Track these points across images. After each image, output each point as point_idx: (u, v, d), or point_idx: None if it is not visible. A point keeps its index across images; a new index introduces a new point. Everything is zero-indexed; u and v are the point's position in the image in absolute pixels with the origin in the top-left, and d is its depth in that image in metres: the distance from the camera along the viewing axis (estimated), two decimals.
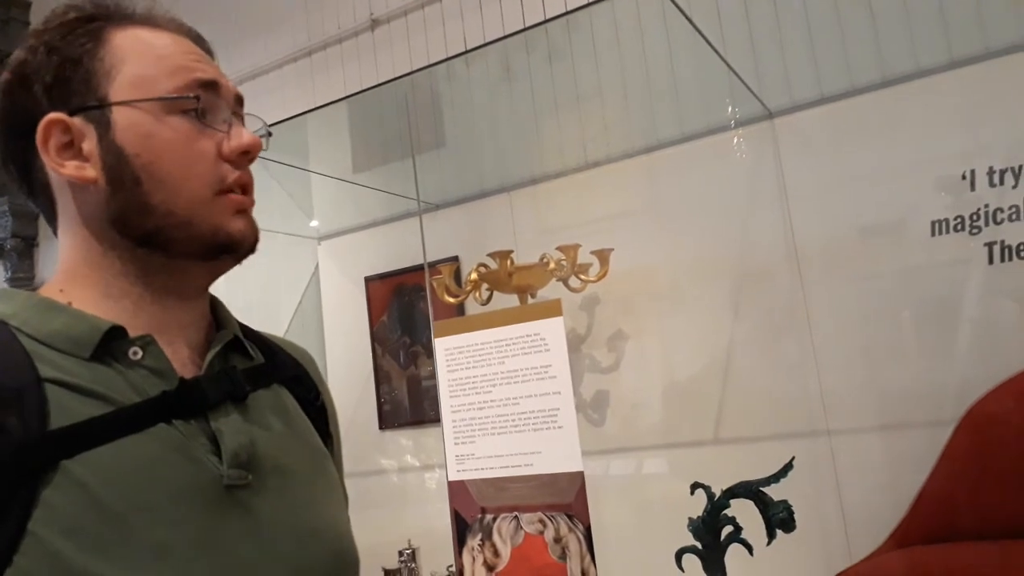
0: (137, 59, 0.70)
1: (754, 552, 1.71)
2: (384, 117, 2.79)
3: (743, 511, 1.74)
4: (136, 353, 0.67)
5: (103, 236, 0.70)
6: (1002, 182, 2.00)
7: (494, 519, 1.75)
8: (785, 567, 1.85)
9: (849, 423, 2.15)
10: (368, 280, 3.04)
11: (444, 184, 2.94)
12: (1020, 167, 1.98)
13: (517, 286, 2.35)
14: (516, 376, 1.80)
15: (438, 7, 2.91)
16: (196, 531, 0.63)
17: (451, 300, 2.48)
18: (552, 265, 2.35)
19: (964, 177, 2.04)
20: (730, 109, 2.38)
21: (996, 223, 2.00)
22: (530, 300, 2.38)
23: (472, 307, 2.58)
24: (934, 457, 1.92)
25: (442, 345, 1.92)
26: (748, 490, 1.70)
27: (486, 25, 2.77)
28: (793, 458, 1.72)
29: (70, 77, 0.69)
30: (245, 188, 0.72)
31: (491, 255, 2.34)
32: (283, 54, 3.05)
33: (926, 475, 1.91)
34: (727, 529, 1.73)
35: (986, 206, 2.01)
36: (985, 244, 2.01)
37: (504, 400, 1.80)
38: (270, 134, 0.79)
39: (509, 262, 2.32)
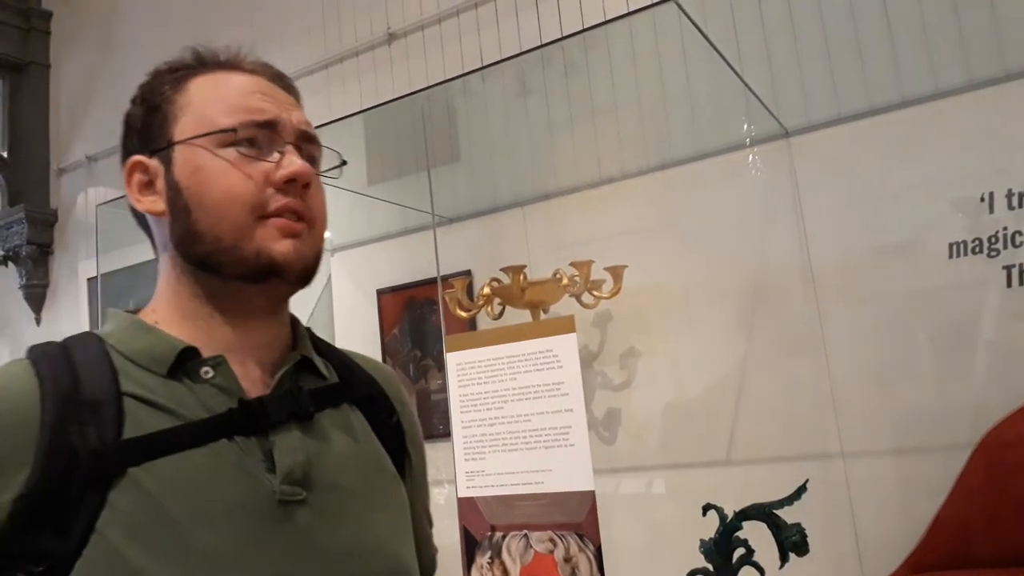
0: (202, 101, 0.77)
1: (766, 575, 1.68)
2: (399, 131, 2.80)
3: (756, 533, 1.72)
4: (207, 372, 0.73)
5: (176, 262, 0.77)
6: (1021, 205, 1.99)
7: (504, 537, 1.74)
8: None
9: (864, 446, 2.12)
10: (380, 292, 3.04)
11: (458, 198, 2.94)
12: None
13: (529, 301, 2.34)
14: (528, 392, 1.79)
15: (455, 22, 2.92)
16: (246, 543, 0.67)
17: (463, 314, 2.47)
18: (565, 281, 2.34)
19: (983, 199, 2.03)
20: (746, 127, 2.38)
21: (1015, 246, 1.98)
22: (542, 316, 2.37)
23: (484, 322, 2.57)
24: (949, 482, 1.89)
25: (454, 360, 1.91)
26: (761, 512, 1.68)
27: (503, 40, 2.78)
28: (807, 480, 1.70)
29: (151, 122, 0.78)
30: (299, 215, 0.75)
31: (504, 270, 2.33)
32: (300, 66, 3.07)
33: (941, 500, 1.89)
34: (739, 551, 1.71)
35: (1005, 229, 2.00)
36: (1004, 267, 1.99)
37: (515, 416, 1.79)
38: (344, 163, 0.85)
39: (522, 277, 2.31)
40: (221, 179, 0.73)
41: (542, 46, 2.49)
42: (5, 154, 4.04)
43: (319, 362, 0.83)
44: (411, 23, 3.02)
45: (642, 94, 2.57)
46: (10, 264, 4.07)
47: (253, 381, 0.75)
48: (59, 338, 0.75)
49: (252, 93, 0.77)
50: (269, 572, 0.67)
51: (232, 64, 0.80)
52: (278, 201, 0.74)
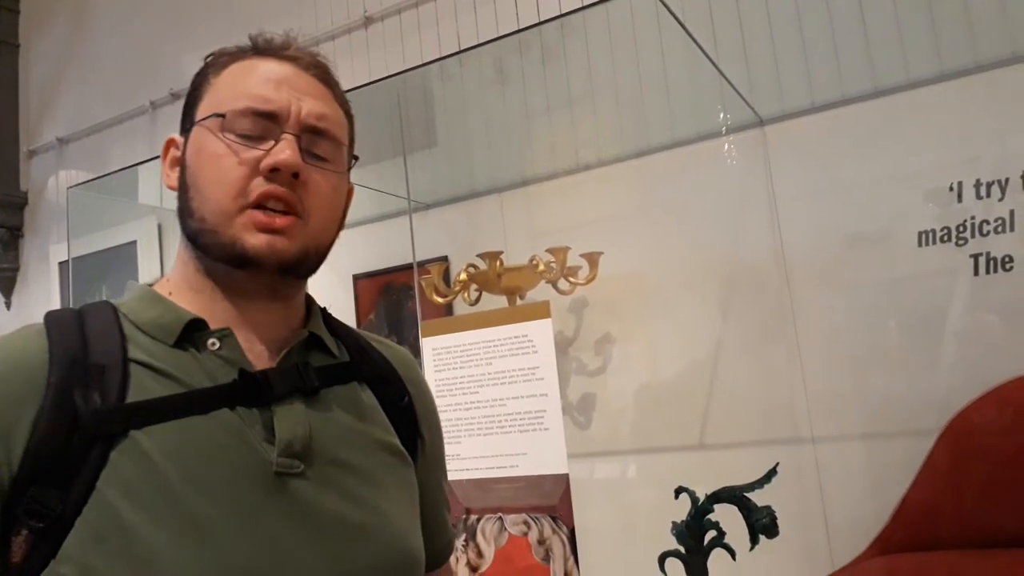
0: (225, 85, 0.79)
1: (737, 557, 1.71)
2: (376, 115, 2.79)
3: (727, 516, 1.75)
4: (214, 344, 0.75)
5: (184, 237, 0.80)
6: (989, 194, 2.02)
7: (478, 520, 1.75)
8: (768, 573, 1.85)
9: (834, 431, 2.16)
10: (356, 278, 3.03)
11: (435, 184, 2.93)
12: (1007, 180, 2.00)
13: (506, 287, 2.35)
14: (503, 377, 1.81)
15: (432, 6, 2.91)
16: (240, 512, 0.68)
17: (440, 300, 2.48)
18: (541, 267, 2.35)
19: (951, 188, 2.06)
20: (721, 116, 2.39)
21: (982, 235, 2.01)
22: (519, 302, 2.38)
23: (461, 307, 2.58)
24: (917, 466, 1.93)
25: (430, 345, 1.92)
26: (732, 495, 1.71)
27: (480, 25, 2.77)
28: (777, 464, 1.73)
29: (189, 103, 0.81)
30: (288, 206, 0.75)
31: (480, 256, 2.34)
32: None
33: (909, 483, 1.93)
34: (710, 534, 1.74)
35: (972, 218, 2.03)
36: (971, 255, 2.02)
37: (491, 401, 1.80)
38: (356, 158, 0.87)
39: (499, 263, 2.32)
40: (214, 162, 0.75)
41: (520, 31, 2.49)
42: None
43: (329, 340, 0.84)
44: (388, 7, 3.00)
45: (619, 81, 2.58)
46: None
47: (259, 355, 0.77)
48: (30, 322, 0.75)
49: (268, 81, 0.78)
50: (261, 542, 0.68)
51: (272, 51, 0.81)
52: (261, 188, 0.74)
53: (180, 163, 0.80)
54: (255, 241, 0.74)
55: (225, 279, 0.78)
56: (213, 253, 0.76)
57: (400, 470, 0.83)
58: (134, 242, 3.42)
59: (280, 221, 0.75)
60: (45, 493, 0.64)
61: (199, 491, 0.67)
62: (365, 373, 0.86)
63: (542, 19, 2.57)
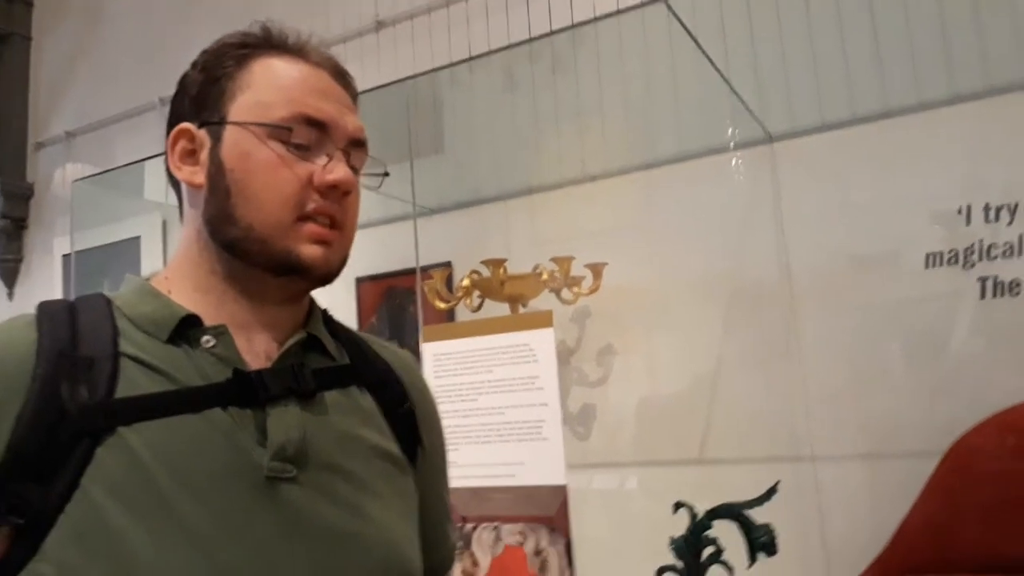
0: (262, 85, 0.77)
1: (735, 574, 1.70)
2: (384, 120, 2.78)
3: (725, 533, 1.73)
4: (208, 341, 0.73)
5: (201, 236, 0.77)
6: (997, 218, 2.01)
7: (474, 528, 1.74)
8: None
9: (834, 450, 2.15)
10: (359, 281, 3.03)
11: (441, 189, 2.93)
12: (1016, 204, 1.99)
13: (509, 295, 2.34)
14: (503, 385, 1.79)
15: (444, 12, 2.91)
16: (228, 515, 0.66)
17: (442, 306, 2.47)
18: (545, 276, 2.34)
19: (960, 211, 2.05)
20: (730, 131, 2.39)
21: (990, 258, 2.01)
22: (521, 310, 2.37)
23: (463, 314, 2.57)
24: (918, 488, 1.92)
25: (430, 350, 1.91)
26: (731, 512, 1.70)
27: (491, 34, 2.77)
28: (778, 482, 1.71)
29: (208, 93, 0.78)
30: (333, 220, 0.76)
31: (484, 262, 2.33)
32: None
33: (909, 505, 1.91)
34: (709, 550, 1.72)
35: (980, 241, 2.02)
36: (978, 279, 2.02)
37: (490, 409, 1.79)
38: (387, 174, 0.87)
39: (502, 270, 2.31)
40: (269, 173, 0.74)
41: (531, 40, 2.49)
42: None
43: (329, 342, 0.82)
44: (400, 12, 3.00)
45: (628, 93, 2.58)
46: None
47: (256, 355, 0.75)
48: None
49: (313, 90, 0.77)
50: (250, 548, 0.66)
51: (298, 51, 0.80)
52: (316, 204, 0.74)
53: (212, 162, 0.76)
54: (310, 252, 0.74)
55: (250, 284, 0.76)
56: (256, 260, 0.74)
57: (398, 478, 0.81)
58: (138, 238, 3.42)
59: (330, 235, 0.76)
60: (27, 488, 0.62)
61: (186, 492, 0.65)
62: (365, 377, 0.83)
63: (553, 29, 2.57)
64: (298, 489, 0.70)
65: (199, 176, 0.77)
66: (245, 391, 0.71)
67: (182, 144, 0.78)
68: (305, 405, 0.74)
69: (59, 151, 3.97)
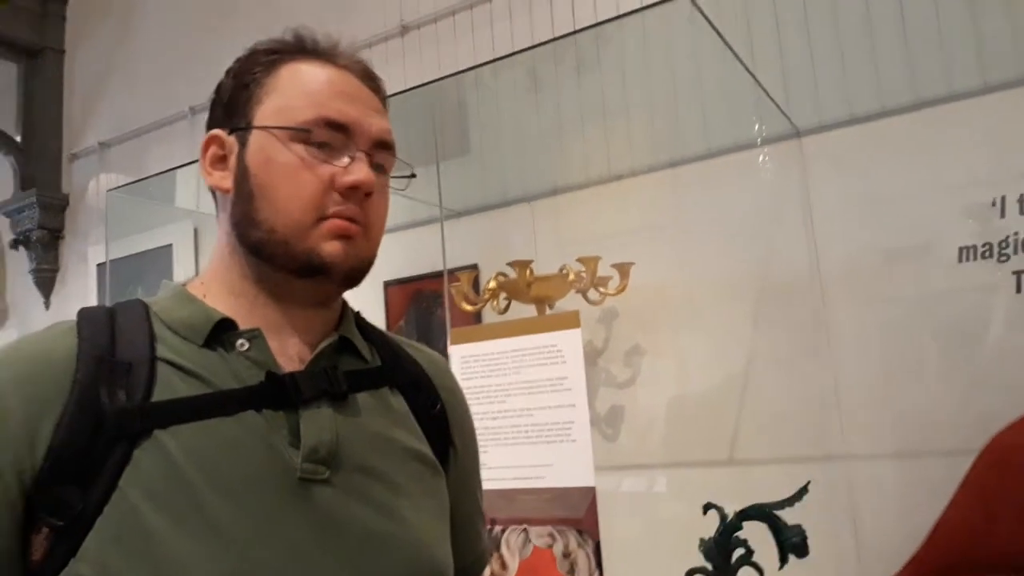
0: (287, 90, 0.78)
1: None
2: (409, 123, 2.80)
3: (756, 534, 1.72)
4: (243, 345, 0.74)
5: (231, 240, 0.79)
6: None
7: (503, 531, 1.74)
8: None
9: (867, 449, 2.11)
10: (387, 285, 3.05)
11: (467, 192, 2.94)
12: None
13: (535, 296, 2.34)
14: (531, 387, 1.79)
15: (468, 15, 2.92)
16: (261, 517, 0.67)
17: (469, 308, 2.47)
18: (571, 276, 2.33)
19: (994, 204, 2.01)
20: (757, 126, 2.36)
21: None
22: (548, 311, 2.37)
23: (489, 316, 2.57)
24: (953, 486, 1.88)
25: (458, 353, 1.91)
26: (761, 513, 1.68)
27: (515, 34, 2.77)
28: (808, 482, 1.69)
29: (237, 99, 0.80)
30: (355, 222, 0.77)
31: (510, 264, 2.33)
32: None
33: (943, 504, 1.88)
34: (739, 551, 1.70)
35: (1016, 234, 1.98)
36: (1013, 272, 1.97)
37: (518, 411, 1.79)
38: (414, 175, 0.88)
39: (528, 272, 2.31)
40: (290, 176, 0.75)
41: (555, 39, 2.48)
42: (18, 139, 4.05)
43: (361, 344, 0.84)
44: (424, 15, 3.02)
45: (653, 90, 2.56)
46: (20, 248, 4.08)
47: (290, 358, 0.77)
48: None
49: (338, 93, 0.78)
50: (283, 549, 0.67)
51: (327, 56, 0.81)
52: (337, 205, 0.75)
53: (238, 167, 0.78)
54: (331, 248, 0.75)
55: (278, 287, 0.78)
56: (280, 262, 0.76)
57: (430, 480, 0.82)
58: (170, 245, 3.47)
59: (353, 228, 0.77)
60: (67, 491, 0.64)
61: (221, 494, 0.66)
62: (397, 379, 0.85)
63: (577, 28, 2.56)
64: (331, 490, 0.71)
65: (227, 181, 0.79)
66: (278, 394, 0.73)
67: (213, 150, 0.81)
68: (337, 407, 0.76)
69: (93, 162, 4.04)
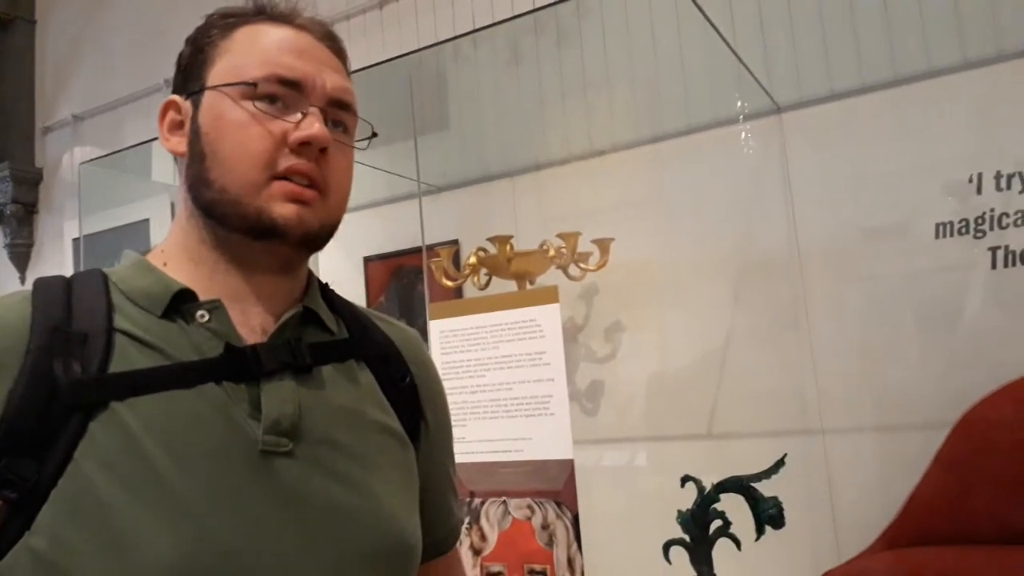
0: (239, 49, 0.76)
1: (742, 547, 1.70)
2: (388, 96, 2.77)
3: (733, 506, 1.74)
4: (203, 316, 0.72)
5: (188, 204, 0.77)
6: (1009, 187, 1.98)
7: (482, 503, 1.75)
8: (773, 564, 1.84)
9: (844, 423, 2.14)
10: (367, 260, 3.03)
11: (447, 166, 2.92)
12: None
13: (516, 272, 2.33)
14: (510, 361, 1.80)
15: None
16: (221, 489, 0.66)
17: (449, 283, 2.47)
18: (552, 252, 2.33)
19: (971, 180, 2.02)
20: (740, 103, 2.36)
21: (1001, 228, 1.98)
22: (528, 287, 2.36)
23: (470, 292, 2.57)
24: (928, 460, 1.91)
25: (437, 327, 1.91)
26: (738, 485, 1.70)
27: (496, 6, 2.74)
28: (785, 455, 1.71)
29: (193, 64, 0.78)
30: (312, 180, 0.74)
31: (490, 240, 2.32)
32: None
33: (919, 478, 1.90)
34: (716, 523, 1.73)
35: (992, 210, 1.99)
36: (989, 248, 1.99)
37: (497, 385, 1.79)
38: (375, 135, 0.85)
39: (509, 247, 2.30)
40: (238, 132, 0.73)
41: (535, 10, 2.46)
42: None
43: (327, 316, 0.82)
44: None
45: (635, 65, 2.55)
46: None
47: (252, 329, 0.74)
48: None
49: (290, 49, 0.76)
50: (243, 522, 0.65)
51: (284, 17, 0.79)
52: (289, 161, 0.73)
53: (192, 129, 0.76)
54: (284, 211, 0.72)
55: (236, 251, 0.75)
56: (233, 223, 0.73)
57: (397, 452, 0.80)
58: (147, 220, 3.43)
59: (308, 193, 0.74)
60: (20, 463, 0.63)
61: (179, 466, 0.65)
62: (364, 351, 0.83)
63: None
64: (293, 463, 0.69)
65: (182, 145, 0.77)
66: (239, 366, 0.71)
67: (170, 115, 0.79)
68: (301, 379, 0.74)
69: (67, 135, 3.98)
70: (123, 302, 0.72)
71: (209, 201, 0.74)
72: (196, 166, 0.75)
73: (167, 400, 0.67)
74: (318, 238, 0.76)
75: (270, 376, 0.72)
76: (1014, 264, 1.96)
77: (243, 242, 0.74)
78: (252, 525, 0.66)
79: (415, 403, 0.86)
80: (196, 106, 0.76)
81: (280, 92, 0.74)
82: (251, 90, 0.73)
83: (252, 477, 0.67)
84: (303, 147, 0.73)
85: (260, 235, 0.73)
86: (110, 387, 0.66)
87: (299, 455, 0.70)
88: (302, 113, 0.74)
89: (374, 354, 0.84)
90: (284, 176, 0.73)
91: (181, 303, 0.73)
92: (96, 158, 3.43)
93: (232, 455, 0.67)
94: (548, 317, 1.78)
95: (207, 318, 0.72)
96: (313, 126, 0.73)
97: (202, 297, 0.74)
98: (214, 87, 0.75)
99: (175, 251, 0.78)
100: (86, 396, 0.65)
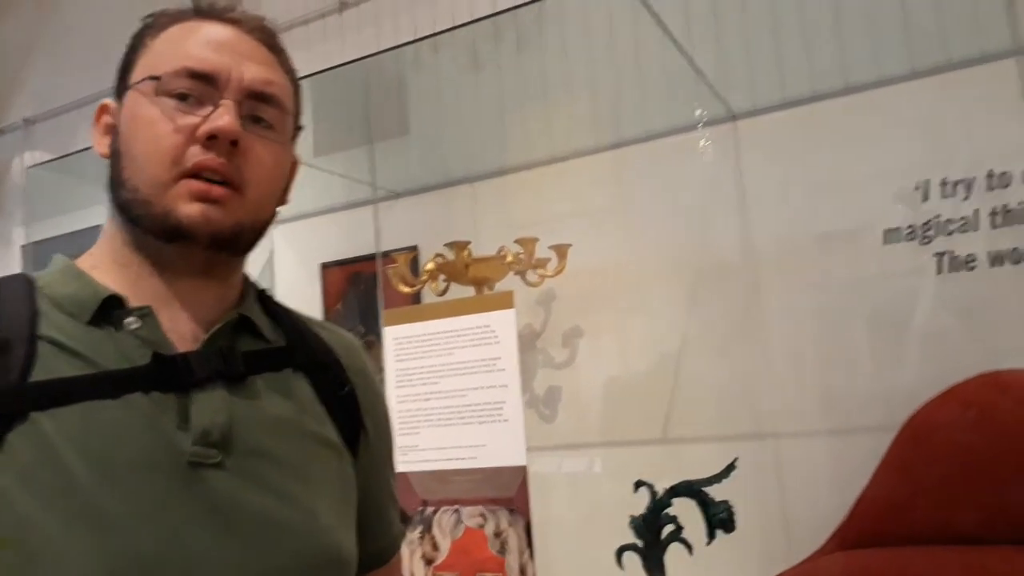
0: (162, 48, 0.74)
1: (694, 551, 1.71)
2: (348, 101, 2.75)
3: (686, 511, 1.74)
4: (132, 323, 0.70)
5: (112, 206, 0.75)
6: (954, 194, 2.03)
7: (435, 512, 1.73)
8: (724, 567, 1.85)
9: (796, 427, 2.16)
10: (324, 267, 3.00)
11: (407, 172, 2.91)
12: (972, 180, 2.01)
13: (474, 278, 2.33)
14: (464, 368, 1.79)
15: None
16: (145, 502, 0.63)
17: (407, 289, 2.45)
18: (510, 258, 2.33)
19: (917, 187, 2.06)
20: (697, 112, 2.38)
21: (947, 234, 2.02)
22: (487, 293, 2.36)
23: (429, 298, 2.56)
24: (877, 462, 1.93)
25: (391, 334, 1.90)
26: (690, 489, 1.71)
27: (456, 12, 2.74)
28: (736, 459, 1.73)
29: (124, 65, 0.77)
30: (225, 177, 0.71)
31: (448, 245, 2.31)
32: None
33: (869, 479, 1.93)
34: (668, 528, 1.73)
35: (937, 216, 2.04)
36: (935, 254, 2.03)
37: (451, 391, 1.78)
38: (301, 127, 0.82)
39: (467, 253, 2.30)
40: (148, 129, 0.71)
41: (495, 14, 2.46)
42: None
43: (263, 323, 0.79)
44: None
45: (595, 72, 2.56)
46: None
47: (182, 336, 0.72)
48: None
49: (208, 43, 0.73)
50: (167, 535, 0.63)
51: (215, 14, 0.77)
52: (197, 157, 0.70)
53: (115, 131, 0.74)
54: (189, 210, 0.69)
55: (155, 254, 0.73)
56: (145, 225, 0.71)
57: (333, 464, 0.78)
58: (99, 226, 3.34)
59: (217, 191, 0.70)
60: None
61: (101, 479, 0.62)
62: (301, 360, 0.80)
63: (518, 3, 2.54)
64: (223, 475, 0.67)
65: (105, 146, 0.76)
66: (168, 375, 0.69)
67: (104, 119, 0.77)
68: (233, 389, 0.72)
69: (17, 138, 3.88)
70: (49, 308, 0.69)
71: (125, 202, 0.72)
72: (115, 166, 0.74)
73: (90, 410, 0.64)
74: (235, 239, 0.73)
75: (201, 385, 0.69)
76: (959, 269, 2.00)
77: (157, 244, 0.72)
78: (176, 538, 0.64)
79: (354, 413, 0.84)
80: (121, 106, 0.75)
81: (190, 86, 0.72)
82: (160, 85, 0.71)
83: (179, 489, 0.65)
84: (211, 141, 0.70)
85: (169, 237, 0.71)
86: (30, 397, 0.63)
87: (230, 467, 0.68)
88: (213, 106, 0.72)
89: (312, 362, 0.81)
90: (194, 173, 0.70)
91: (110, 310, 0.70)
92: (45, 162, 3.36)
93: (157, 467, 0.65)
94: (503, 323, 1.78)
95: (136, 325, 0.70)
96: (222, 118, 0.70)
97: (131, 303, 0.71)
98: (132, 86, 0.74)
99: (103, 255, 0.75)
100: (5, 406, 0.63)
